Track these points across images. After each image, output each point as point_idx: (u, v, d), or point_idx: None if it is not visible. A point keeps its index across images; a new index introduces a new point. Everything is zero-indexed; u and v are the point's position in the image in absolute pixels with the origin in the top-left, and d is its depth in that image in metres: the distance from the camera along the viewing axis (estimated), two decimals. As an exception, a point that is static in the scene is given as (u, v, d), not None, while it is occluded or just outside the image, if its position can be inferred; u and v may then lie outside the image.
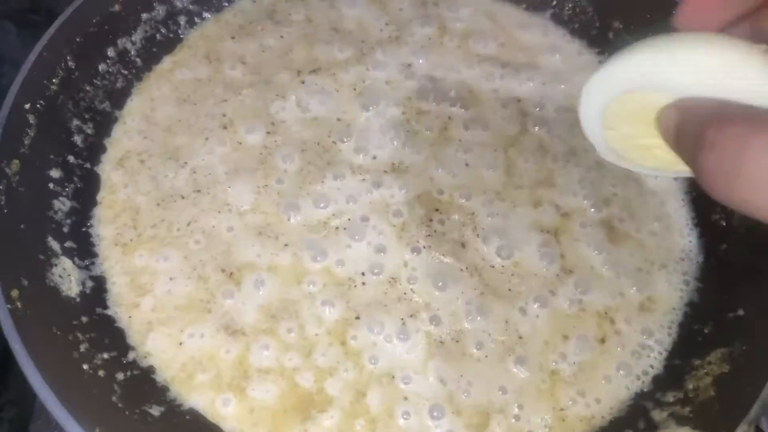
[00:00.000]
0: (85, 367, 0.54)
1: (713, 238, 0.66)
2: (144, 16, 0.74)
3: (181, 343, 0.58)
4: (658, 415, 0.56)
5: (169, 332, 0.59)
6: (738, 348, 0.56)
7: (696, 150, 0.32)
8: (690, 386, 0.57)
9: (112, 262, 0.62)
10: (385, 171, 0.68)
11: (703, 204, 0.68)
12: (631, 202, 0.68)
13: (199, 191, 0.66)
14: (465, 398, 0.57)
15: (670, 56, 0.36)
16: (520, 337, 0.59)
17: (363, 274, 0.62)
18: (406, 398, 0.57)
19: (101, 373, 0.54)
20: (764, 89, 0.33)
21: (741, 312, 0.58)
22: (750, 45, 0.34)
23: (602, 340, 0.60)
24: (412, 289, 0.61)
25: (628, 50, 0.38)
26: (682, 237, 0.67)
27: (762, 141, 0.29)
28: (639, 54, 0.37)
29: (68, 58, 0.66)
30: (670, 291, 0.63)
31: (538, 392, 0.58)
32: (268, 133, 0.70)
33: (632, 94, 0.38)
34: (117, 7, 0.71)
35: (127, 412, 0.53)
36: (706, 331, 0.60)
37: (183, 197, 0.66)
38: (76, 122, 0.67)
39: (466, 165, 0.69)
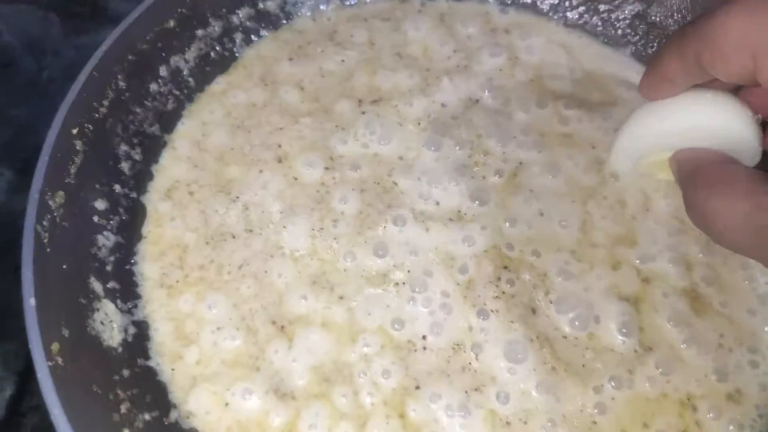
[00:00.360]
0: (126, 431, 0.50)
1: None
2: (199, 32, 0.69)
3: (227, 404, 0.54)
4: None
5: (214, 390, 0.55)
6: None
7: (683, 193, 0.44)
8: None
9: (155, 306, 0.58)
10: (450, 219, 0.63)
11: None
12: (717, 270, 0.62)
13: (251, 231, 0.62)
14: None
15: (661, 124, 0.49)
16: (594, 422, 0.54)
17: (424, 337, 0.57)
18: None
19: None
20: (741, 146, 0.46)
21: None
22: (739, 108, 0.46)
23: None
24: (477, 358, 0.56)
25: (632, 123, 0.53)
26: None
27: (719, 203, 0.40)
28: (640, 127, 0.52)
29: (119, 77, 0.62)
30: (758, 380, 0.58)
31: (610, 484, 0.53)
32: (326, 168, 0.65)
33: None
34: (172, 23, 0.66)
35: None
36: (799, 428, 0.55)
37: (234, 236, 0.61)
38: (124, 148, 0.62)
39: (541, 215, 0.64)
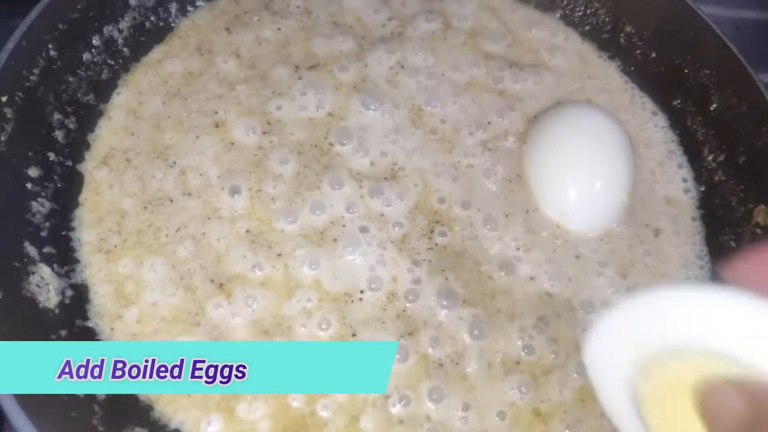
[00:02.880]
0: (63, 387, 0.50)
1: (721, 260, 0.64)
2: (132, 2, 0.69)
3: (167, 360, 0.55)
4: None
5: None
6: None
7: None
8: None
9: (94, 270, 0.58)
10: (385, 177, 0.65)
11: (712, 222, 0.66)
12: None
13: (189, 194, 0.62)
14: (462, 425, 0.55)
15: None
16: (518, 363, 0.57)
17: (362, 291, 0.59)
18: (401, 422, 0.55)
19: (81, 393, 0.51)
20: None
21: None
22: None
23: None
24: (411, 306, 0.58)
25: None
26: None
27: None
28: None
29: (50, 46, 0.61)
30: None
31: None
32: (264, 133, 0.66)
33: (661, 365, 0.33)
34: (103, -8, 0.66)
35: (108, 436, 0.50)
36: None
37: (172, 200, 0.62)
38: (57, 116, 0.62)
39: (471, 167, 0.66)
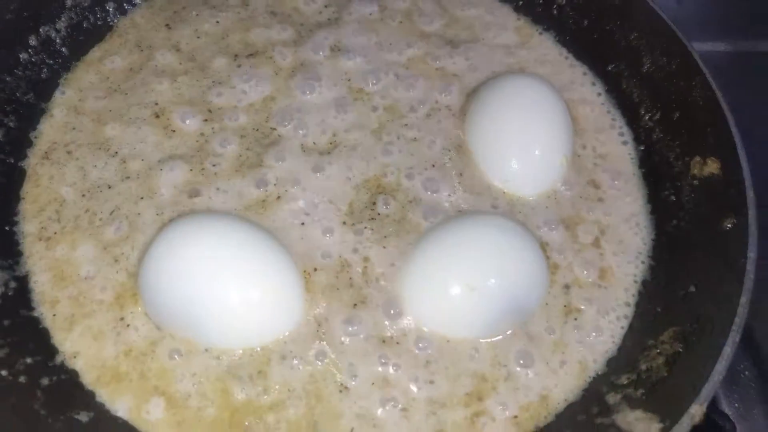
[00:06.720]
0: (3, 373, 0.50)
1: (663, 215, 0.65)
2: (68, 2, 0.70)
3: (111, 337, 0.55)
4: (612, 398, 0.54)
5: (93, 325, 0.56)
6: (689, 327, 0.55)
7: None
8: (643, 367, 0.55)
9: (35, 259, 0.59)
10: (328, 152, 0.66)
11: (653, 180, 0.67)
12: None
13: (128, 178, 0.63)
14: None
15: None
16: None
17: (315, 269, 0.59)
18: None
19: (22, 378, 0.51)
20: None
21: (692, 289, 0.57)
22: None
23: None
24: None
25: None
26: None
27: None
28: None
29: (-16, 47, 0.62)
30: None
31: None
32: (205, 120, 0.67)
33: None
34: (37, -7, 0.67)
35: (50, 420, 0.49)
36: (658, 309, 0.59)
37: (110, 186, 0.62)
38: (-4, 115, 0.63)
39: (415, 140, 0.67)
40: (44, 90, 0.68)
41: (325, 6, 0.77)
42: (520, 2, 0.79)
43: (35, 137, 0.65)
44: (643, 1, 0.69)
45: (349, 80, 0.71)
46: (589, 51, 0.75)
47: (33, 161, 0.64)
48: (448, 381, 0.56)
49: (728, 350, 0.50)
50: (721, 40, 0.94)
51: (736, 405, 0.71)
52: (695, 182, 0.63)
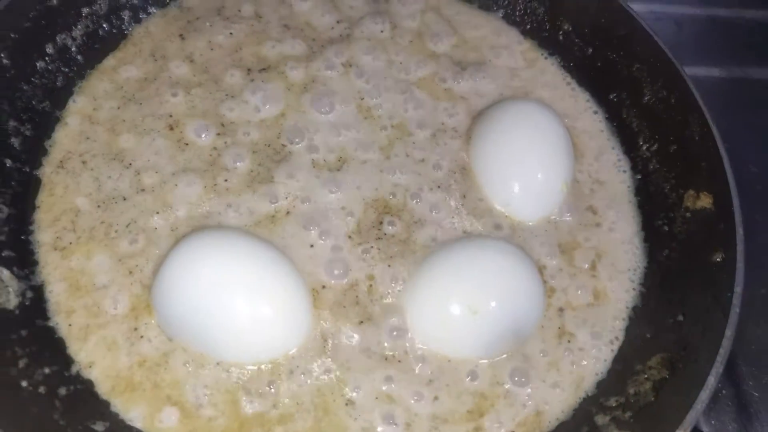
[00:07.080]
0: (24, 384, 0.52)
1: (656, 244, 0.68)
2: (85, 10, 0.71)
3: (125, 348, 0.57)
4: (601, 419, 0.58)
5: (108, 336, 0.58)
6: (676, 354, 0.58)
7: None
8: (631, 391, 0.58)
9: (51, 268, 0.60)
10: (338, 169, 0.68)
11: (648, 209, 0.70)
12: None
13: (143, 190, 0.64)
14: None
15: None
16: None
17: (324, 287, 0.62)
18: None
19: (42, 389, 0.53)
20: None
21: (681, 318, 0.60)
22: None
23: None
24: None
25: None
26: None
27: None
28: None
29: (2, 55, 0.63)
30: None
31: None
32: (218, 134, 0.69)
33: None
34: (55, 1, 0.68)
35: (69, 430, 0.51)
36: (648, 335, 0.62)
37: (125, 198, 0.64)
38: (13, 123, 0.64)
39: (422, 161, 0.69)
40: (59, 98, 0.69)
41: (337, 21, 0.78)
42: (528, 26, 0.81)
43: (50, 146, 0.67)
44: (646, 34, 0.71)
45: (362, 99, 0.72)
46: (592, 78, 0.77)
47: (48, 170, 0.65)
48: (450, 398, 0.58)
49: (712, 380, 0.53)
50: (718, 65, 0.97)
51: (713, 422, 0.74)
52: (688, 214, 0.66)
